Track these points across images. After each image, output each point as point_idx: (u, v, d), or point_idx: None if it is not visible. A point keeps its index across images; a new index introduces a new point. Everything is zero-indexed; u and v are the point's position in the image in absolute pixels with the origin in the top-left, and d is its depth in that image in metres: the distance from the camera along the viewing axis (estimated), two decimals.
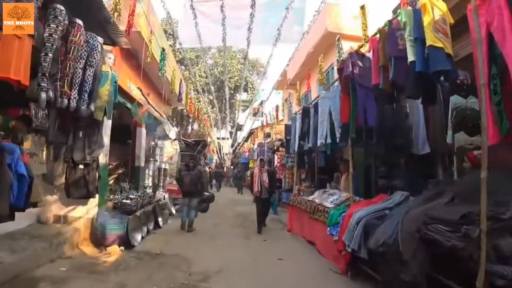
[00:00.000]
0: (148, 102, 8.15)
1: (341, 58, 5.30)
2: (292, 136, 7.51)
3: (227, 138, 33.96)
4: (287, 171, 11.76)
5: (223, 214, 9.99)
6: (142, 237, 5.91)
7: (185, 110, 23.91)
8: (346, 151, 8.20)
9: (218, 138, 33.05)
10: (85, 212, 5.48)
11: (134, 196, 6.28)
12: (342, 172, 6.85)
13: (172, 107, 16.40)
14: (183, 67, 25.75)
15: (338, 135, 4.78)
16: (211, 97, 24.22)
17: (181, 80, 9.00)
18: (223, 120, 31.94)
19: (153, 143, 10.12)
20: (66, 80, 4.07)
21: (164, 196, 9.01)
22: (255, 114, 25.87)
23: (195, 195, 7.05)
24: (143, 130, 8.09)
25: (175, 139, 10.95)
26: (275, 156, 15.12)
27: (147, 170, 9.30)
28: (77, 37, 4.20)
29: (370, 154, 5.55)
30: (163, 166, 9.80)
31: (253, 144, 20.98)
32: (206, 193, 7.86)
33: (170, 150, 13.49)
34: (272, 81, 20.11)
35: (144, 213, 6.33)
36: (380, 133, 3.97)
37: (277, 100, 19.49)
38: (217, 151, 33.73)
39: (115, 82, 5.60)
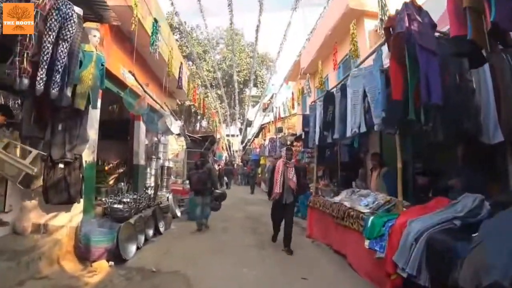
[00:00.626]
0: (145, 91, 7.25)
1: (384, 16, 4.18)
2: (311, 127, 6.48)
3: (237, 135, 33.08)
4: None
5: (233, 215, 9.05)
6: (138, 248, 5.01)
7: (192, 106, 23.12)
8: (373, 143, 7.16)
9: (227, 135, 32.21)
10: (69, 220, 4.60)
11: (129, 200, 5.39)
12: (373, 168, 5.79)
13: (178, 101, 15.54)
14: (190, 62, 24.90)
15: (377, 121, 3.73)
16: (219, 92, 23.29)
17: (181, 64, 8.03)
18: (232, 116, 31.07)
19: (156, 139, 9.25)
20: (25, 54, 3.16)
21: (168, 197, 8.13)
22: (265, 110, 24.84)
23: (206, 193, 6.90)
24: (142, 125, 7.19)
25: (179, 135, 10.04)
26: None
27: (148, 169, 8.43)
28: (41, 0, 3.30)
29: (417, 144, 4.48)
30: (166, 164, 8.91)
31: (264, 139, 19.97)
32: (217, 191, 7.51)
33: (175, 147, 12.67)
34: (282, 75, 19.16)
35: (141, 219, 5.42)
36: (442, 115, 2.90)
37: (288, 94, 18.38)
38: (226, 148, 32.95)
39: (102, 64, 4.67)
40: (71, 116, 4.41)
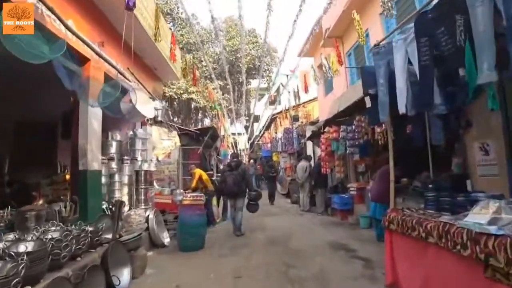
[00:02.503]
0: (98, 54, 4.47)
1: None
2: (382, 85, 3.55)
3: (243, 134, 30.40)
4: (337, 162, 7.86)
5: (249, 237, 6.21)
6: None
7: (192, 100, 20.17)
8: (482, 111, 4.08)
9: (233, 134, 29.51)
10: None
11: (31, 246, 2.59)
12: None
13: (166, 85, 12.71)
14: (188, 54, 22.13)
15: None
16: (221, 83, 20.47)
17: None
18: (237, 112, 28.23)
19: (131, 132, 6.48)
20: None
21: (146, 217, 5.35)
22: (272, 103, 22.01)
23: (240, 195, 6.52)
24: (93, 104, 4.36)
25: (161, 122, 7.34)
26: (311, 143, 11.24)
27: (117, 176, 5.65)
28: None
29: None
30: (145, 167, 6.13)
31: (276, 132, 17.09)
32: (252, 192, 6.89)
33: (167, 145, 9.95)
34: (287, 68, 16.40)
35: (64, 281, 2.63)
36: None
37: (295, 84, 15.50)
38: (232, 146, 30.17)
39: None
40: None
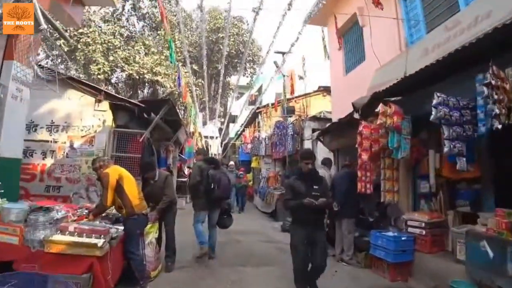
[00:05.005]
0: None
1: None
2: None
3: (216, 137, 26.54)
4: (387, 173, 4.37)
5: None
6: None
7: (157, 79, 15.60)
8: None
9: (205, 137, 25.59)
10: None
11: None
12: None
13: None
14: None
15: None
16: (195, 67, 16.61)
17: None
18: (212, 110, 24.47)
19: None
20: None
21: None
22: (253, 103, 18.52)
23: (216, 207, 4.83)
24: None
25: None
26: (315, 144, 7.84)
27: None
28: None
29: None
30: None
31: (258, 131, 13.45)
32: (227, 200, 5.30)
33: (90, 123, 6.09)
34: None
35: None
36: None
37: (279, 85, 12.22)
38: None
39: None
40: None
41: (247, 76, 20.88)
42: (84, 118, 5.87)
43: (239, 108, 21.73)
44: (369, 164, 4.51)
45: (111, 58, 15.05)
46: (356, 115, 4.70)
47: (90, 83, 6.64)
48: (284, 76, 9.98)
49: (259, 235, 7.05)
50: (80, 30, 14.93)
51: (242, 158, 15.83)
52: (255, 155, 13.34)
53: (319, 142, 8.51)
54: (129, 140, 6.19)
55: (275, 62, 9.91)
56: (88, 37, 15.21)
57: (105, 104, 5.88)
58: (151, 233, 3.82)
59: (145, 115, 6.06)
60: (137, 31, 18.52)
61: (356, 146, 4.52)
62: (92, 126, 5.84)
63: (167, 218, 4.26)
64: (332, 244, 4.99)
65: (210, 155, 25.50)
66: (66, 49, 14.27)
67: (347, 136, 5.66)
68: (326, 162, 5.74)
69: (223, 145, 22.94)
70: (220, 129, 27.20)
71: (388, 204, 4.55)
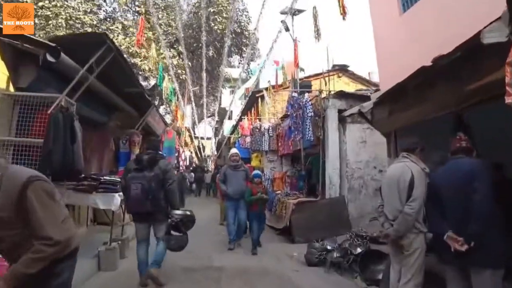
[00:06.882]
0: None
1: None
2: None
3: (206, 138, 24.10)
4: None
5: None
6: None
7: (135, 62, 13.02)
8: None
9: (197, 137, 23.15)
10: None
11: None
12: None
13: None
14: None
15: None
16: (181, 49, 13.87)
17: None
18: (206, 106, 21.77)
19: None
20: None
21: None
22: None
23: (158, 218, 3.49)
24: None
25: None
26: (337, 133, 5.18)
27: None
28: None
29: None
30: None
31: (259, 119, 10.72)
32: (178, 212, 3.48)
33: None
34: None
35: None
36: None
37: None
38: (196, 152, 23.62)
39: None
40: None
41: (244, 64, 18.31)
42: None
43: (229, 100, 19.40)
44: None
45: None
46: None
47: None
48: (294, 40, 7.31)
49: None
50: (41, 3, 12.55)
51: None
52: (255, 150, 10.64)
53: (349, 127, 5.98)
54: (39, 116, 3.45)
55: (282, 22, 7.33)
56: (50, 11, 12.64)
57: None
58: None
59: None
60: (116, 10, 15.98)
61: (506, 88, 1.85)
62: None
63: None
64: None
65: (202, 157, 22.95)
66: None
67: (419, 105, 3.06)
68: (414, 149, 2.79)
69: (217, 143, 20.41)
70: (216, 129, 24.73)
71: None
